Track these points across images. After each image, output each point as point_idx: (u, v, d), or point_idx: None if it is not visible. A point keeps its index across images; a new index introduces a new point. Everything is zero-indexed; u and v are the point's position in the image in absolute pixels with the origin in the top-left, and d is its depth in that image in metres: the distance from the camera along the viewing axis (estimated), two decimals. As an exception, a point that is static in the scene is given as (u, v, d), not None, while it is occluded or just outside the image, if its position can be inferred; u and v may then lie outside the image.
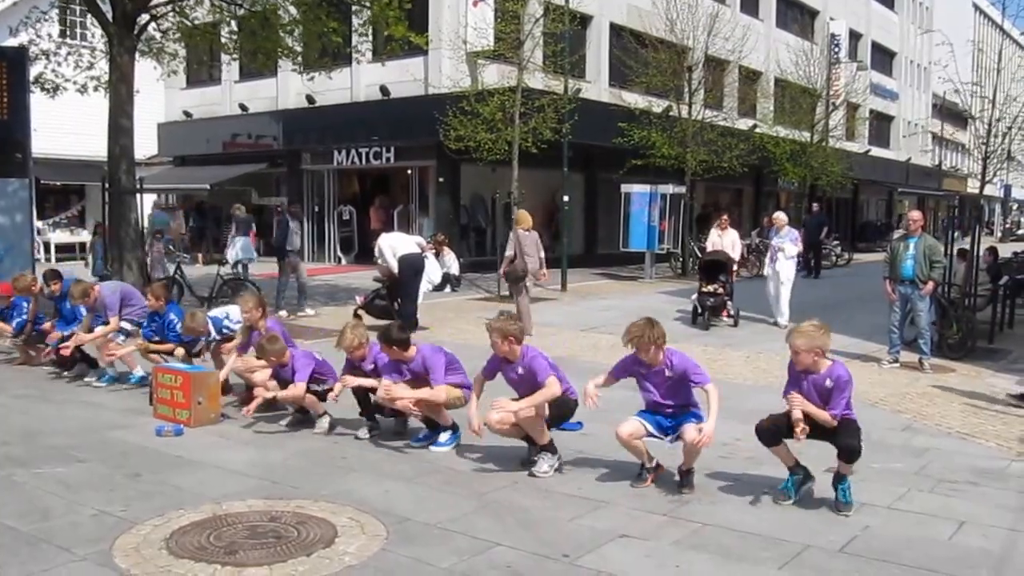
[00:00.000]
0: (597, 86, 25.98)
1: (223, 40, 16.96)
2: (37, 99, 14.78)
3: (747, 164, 24.67)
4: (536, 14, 19.04)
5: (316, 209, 26.62)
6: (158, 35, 16.33)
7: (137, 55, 14.54)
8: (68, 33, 22.53)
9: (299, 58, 16.16)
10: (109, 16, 13.96)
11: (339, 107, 24.04)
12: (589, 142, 22.21)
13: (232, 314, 8.58)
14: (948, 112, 45.58)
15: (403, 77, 22.22)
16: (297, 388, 7.11)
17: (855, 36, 39.95)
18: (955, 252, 12.92)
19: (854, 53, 38.50)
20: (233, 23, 16.50)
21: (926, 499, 5.69)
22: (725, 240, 14.85)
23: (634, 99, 24.26)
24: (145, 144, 25.75)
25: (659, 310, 15.68)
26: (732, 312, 13.73)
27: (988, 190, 22.91)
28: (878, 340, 11.45)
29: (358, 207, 25.92)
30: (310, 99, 24.11)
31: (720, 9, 26.36)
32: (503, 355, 6.11)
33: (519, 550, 4.75)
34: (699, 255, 19.99)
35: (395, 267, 12.52)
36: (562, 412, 6.23)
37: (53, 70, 15.81)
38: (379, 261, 12.96)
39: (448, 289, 17.58)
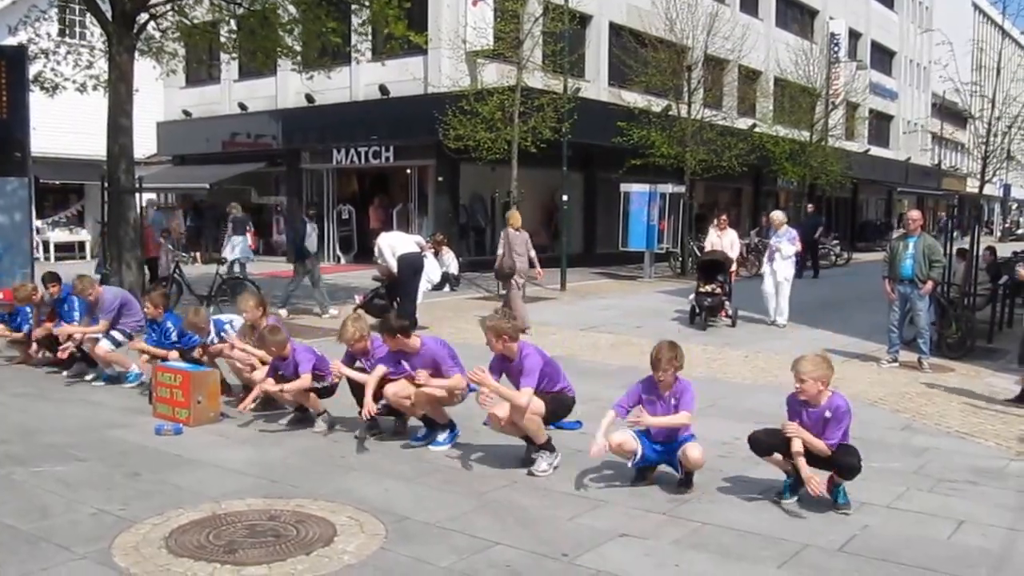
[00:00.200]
0: (596, 85, 25.98)
1: (222, 39, 16.94)
2: (36, 98, 14.76)
3: (746, 163, 24.66)
4: (535, 13, 19.05)
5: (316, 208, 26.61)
6: (157, 34, 16.30)
7: (136, 54, 14.51)
8: (67, 32, 22.50)
9: (298, 57, 16.14)
10: (108, 15, 13.93)
11: (338, 106, 24.03)
12: (588, 141, 22.20)
13: (236, 323, 8.57)
14: (947, 111, 45.58)
15: (402, 76, 22.22)
16: (303, 379, 7.11)
17: (855, 35, 39.96)
18: (954, 252, 12.91)
19: (854, 52, 38.49)
20: (232, 22, 16.47)
21: (925, 498, 5.69)
22: (724, 240, 14.81)
23: (633, 98, 24.26)
24: (144, 143, 25.73)
25: (658, 309, 15.72)
26: (730, 312, 13.72)
27: (988, 189, 22.90)
28: (877, 339, 11.45)
29: (357, 206, 25.93)
30: (309, 98, 24.10)
31: (719, 8, 26.36)
32: (500, 352, 6.11)
33: (518, 549, 4.75)
34: (698, 254, 20.01)
35: (394, 266, 12.52)
36: (559, 409, 6.24)
37: (52, 69, 15.78)
38: (378, 260, 12.96)
39: (447, 288, 17.56)
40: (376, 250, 12.98)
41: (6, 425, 7.32)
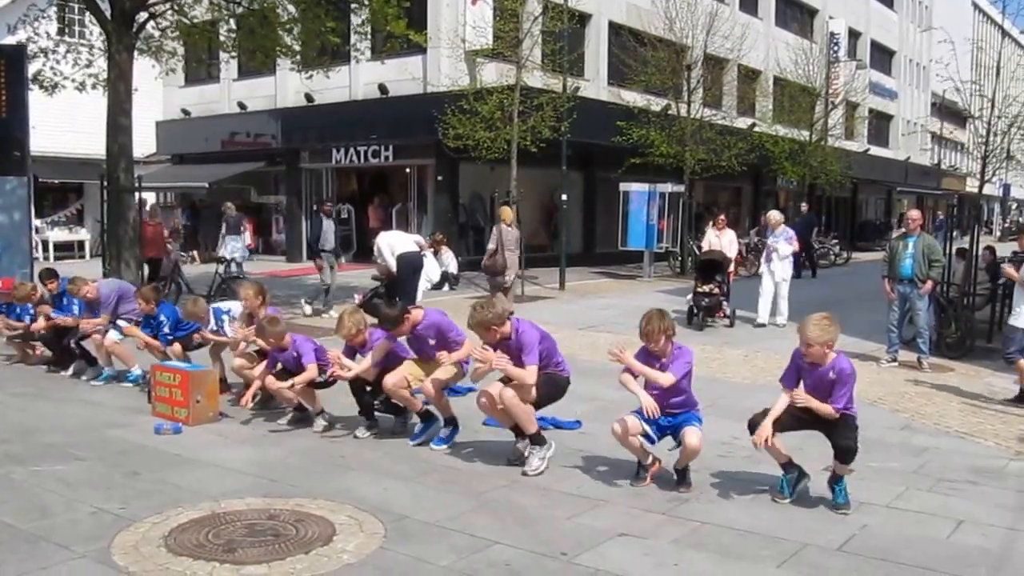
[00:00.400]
0: (596, 85, 25.97)
1: (222, 38, 16.94)
2: (35, 97, 14.76)
3: (746, 163, 24.64)
4: (535, 12, 19.02)
5: (315, 208, 26.59)
6: (156, 33, 16.31)
7: (135, 53, 14.51)
8: (66, 31, 22.47)
9: (297, 56, 16.13)
10: (108, 14, 13.94)
11: (338, 105, 24.01)
12: (588, 141, 22.18)
13: (235, 309, 8.59)
14: (947, 111, 45.61)
15: (402, 76, 22.20)
16: (310, 370, 7.09)
17: (854, 35, 39.96)
18: (954, 251, 12.91)
19: (853, 52, 38.48)
20: (232, 21, 16.46)
21: (924, 498, 5.70)
22: (723, 240, 14.77)
23: (633, 98, 24.24)
24: (144, 142, 25.74)
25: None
26: (728, 313, 13.69)
27: (987, 189, 22.90)
28: (877, 339, 11.45)
29: (357, 206, 25.91)
30: (309, 97, 24.09)
31: (719, 8, 26.34)
32: (494, 341, 6.07)
33: (517, 548, 4.75)
34: (697, 254, 19.98)
35: (393, 266, 12.53)
36: (553, 390, 6.19)
37: (52, 68, 15.78)
38: (378, 260, 12.97)
39: (446, 288, 17.60)
40: (375, 249, 13.00)
41: (5, 424, 7.31)
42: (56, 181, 26.83)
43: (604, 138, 22.90)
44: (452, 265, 18.93)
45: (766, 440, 5.37)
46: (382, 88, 23.10)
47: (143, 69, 16.71)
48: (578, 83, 22.28)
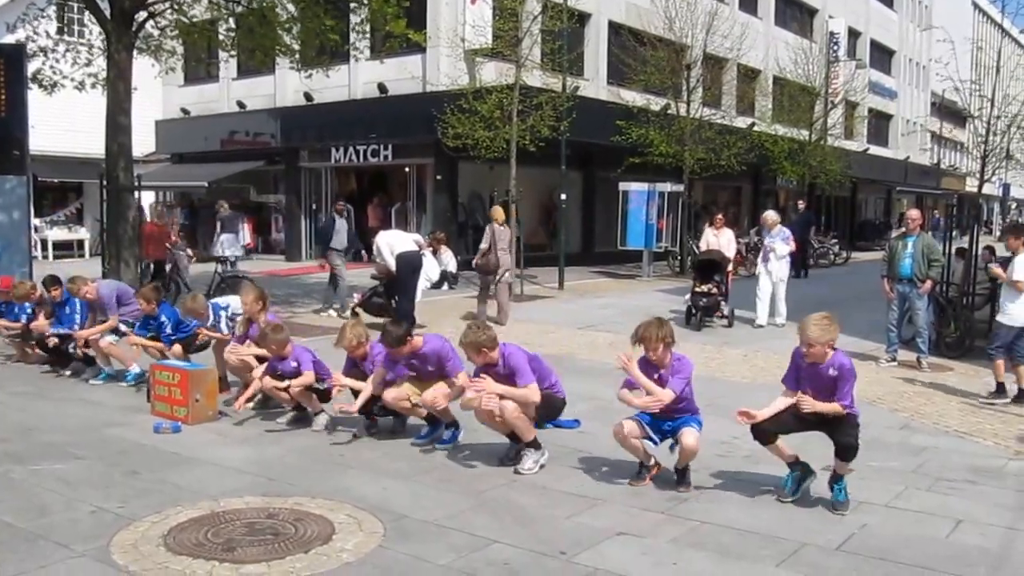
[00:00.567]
0: (595, 84, 25.97)
1: (221, 37, 16.92)
2: (35, 96, 14.75)
3: (745, 162, 24.63)
4: (534, 11, 19.01)
5: (314, 207, 26.62)
6: (156, 32, 16.29)
7: (135, 52, 14.50)
8: (66, 30, 22.43)
9: (297, 56, 16.13)
10: (107, 13, 13.93)
11: (337, 105, 24.01)
12: (587, 140, 22.18)
13: (233, 304, 8.59)
14: (947, 110, 45.61)
15: (401, 75, 22.20)
16: (307, 376, 7.11)
17: (854, 34, 39.96)
18: (953, 251, 12.92)
19: (853, 51, 38.50)
20: (231, 20, 16.45)
21: (924, 497, 5.70)
22: (721, 239, 14.73)
23: (632, 97, 24.24)
24: (143, 141, 25.73)
25: (656, 308, 15.65)
26: (726, 313, 13.67)
27: (987, 189, 22.89)
28: (876, 339, 11.45)
29: (356, 205, 25.87)
30: (308, 97, 24.08)
31: (719, 7, 26.33)
32: (482, 364, 6.10)
33: (516, 547, 4.75)
34: (696, 253, 19.97)
35: (393, 265, 12.51)
36: (549, 411, 6.24)
37: (51, 67, 15.77)
38: (377, 259, 12.95)
39: (445, 287, 17.55)
40: (374, 249, 12.98)
41: (5, 423, 7.31)
42: (55, 180, 26.82)
43: (603, 137, 22.90)
44: (451, 264, 18.85)
45: (757, 427, 5.42)
46: (381, 87, 23.11)
47: (142, 68, 16.70)
48: (577, 82, 22.27)
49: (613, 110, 23.47)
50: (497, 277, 13.55)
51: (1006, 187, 53.62)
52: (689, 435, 5.57)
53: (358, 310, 13.27)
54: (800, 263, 22.85)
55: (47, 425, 7.28)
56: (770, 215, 14.32)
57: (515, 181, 18.25)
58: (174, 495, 5.52)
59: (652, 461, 5.85)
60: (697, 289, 13.61)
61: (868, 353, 11.02)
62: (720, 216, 15.54)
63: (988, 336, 12.04)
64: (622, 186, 22.96)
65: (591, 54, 26.23)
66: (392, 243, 12.73)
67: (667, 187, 22.70)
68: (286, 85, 25.28)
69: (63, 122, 23.29)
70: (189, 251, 16.30)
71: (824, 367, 5.39)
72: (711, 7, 25.10)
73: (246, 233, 27.36)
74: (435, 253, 15.61)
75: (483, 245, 13.65)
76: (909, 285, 10.26)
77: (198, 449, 6.62)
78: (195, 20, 16.01)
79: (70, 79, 16.07)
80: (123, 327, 9.07)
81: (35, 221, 22.44)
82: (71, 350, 9.19)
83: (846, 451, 5.34)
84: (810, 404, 5.32)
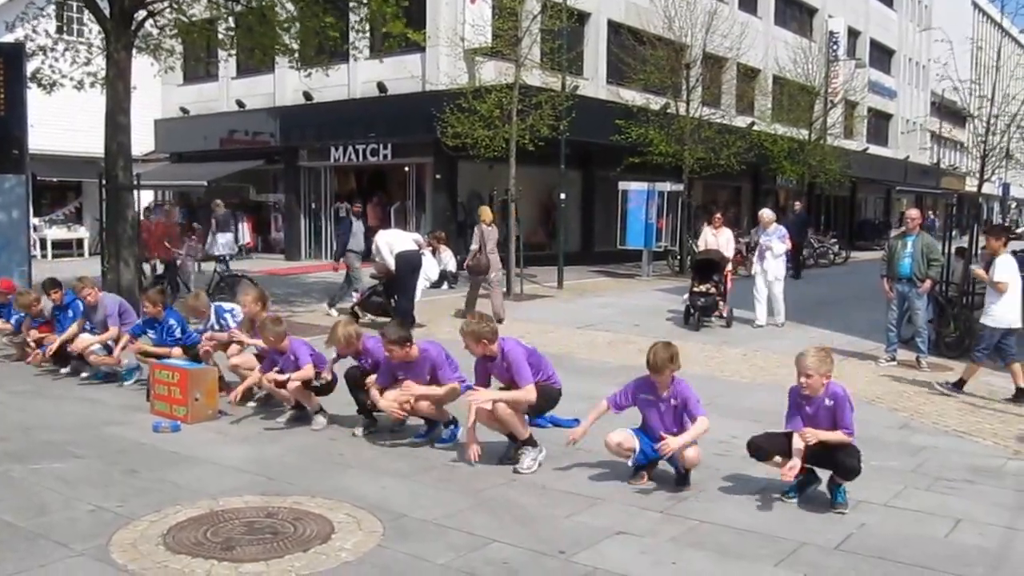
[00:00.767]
0: (595, 83, 25.96)
1: (220, 37, 16.89)
2: (34, 95, 14.73)
3: (745, 162, 24.62)
4: (534, 11, 19.00)
5: (313, 206, 26.62)
6: (155, 31, 16.27)
7: (134, 51, 14.48)
8: (65, 29, 22.42)
9: (296, 55, 16.12)
10: (106, 12, 13.91)
11: (336, 104, 24.01)
12: (586, 139, 22.18)
13: (236, 310, 8.59)
14: (946, 110, 45.57)
15: (400, 74, 22.19)
16: (306, 369, 7.12)
17: (854, 34, 39.97)
18: (953, 251, 12.92)
19: (852, 51, 38.50)
20: (230, 19, 16.44)
21: (923, 497, 5.70)
22: (720, 239, 14.71)
23: (632, 96, 24.24)
24: (142, 140, 25.72)
25: (655, 308, 15.71)
26: (724, 313, 13.65)
27: (986, 188, 22.88)
28: (875, 338, 11.45)
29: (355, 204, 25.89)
30: (307, 96, 24.07)
31: (718, 6, 26.32)
32: (481, 355, 6.12)
33: (515, 546, 4.75)
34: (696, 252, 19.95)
35: (392, 264, 12.52)
36: (544, 402, 6.24)
37: (50, 66, 15.74)
38: (376, 258, 12.96)
39: (445, 286, 17.59)
40: (374, 248, 12.98)
41: (5, 422, 7.31)
42: (54, 179, 26.78)
43: (603, 137, 22.90)
44: (451, 264, 18.91)
45: (753, 443, 5.44)
46: (381, 86, 23.10)
47: (142, 67, 16.66)
48: (577, 82, 22.26)
49: (612, 109, 23.48)
50: (489, 276, 13.62)
51: (1006, 187, 53.61)
52: (691, 448, 5.61)
53: (357, 309, 13.27)
54: (794, 264, 22.87)
55: (46, 424, 7.28)
56: (766, 213, 14.31)
57: (514, 180, 18.24)
58: (173, 494, 5.52)
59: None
60: (695, 289, 13.59)
61: (868, 353, 11.02)
62: (719, 216, 15.51)
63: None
64: (621, 185, 22.96)
65: (590, 53, 26.23)
66: (391, 242, 12.74)
67: (666, 186, 22.71)
68: (285, 84, 25.28)
69: (62, 121, 23.27)
70: (180, 252, 16.19)
71: (820, 399, 5.41)
72: (710, 6, 25.09)
73: (246, 232, 27.46)
74: (434, 252, 15.65)
75: (473, 246, 13.77)
76: (908, 285, 10.26)
77: (197, 448, 6.62)
78: (194, 19, 15.99)
79: (69, 78, 16.05)
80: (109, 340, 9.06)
81: (34, 220, 22.41)
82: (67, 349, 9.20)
83: (848, 472, 5.37)
84: (813, 435, 5.32)
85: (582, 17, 24.90)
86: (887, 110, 45.08)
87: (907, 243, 10.35)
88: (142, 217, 16.62)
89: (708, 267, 13.84)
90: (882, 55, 44.17)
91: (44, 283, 9.89)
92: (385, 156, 23.99)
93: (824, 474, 5.54)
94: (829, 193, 35.83)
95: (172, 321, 8.66)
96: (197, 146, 28.07)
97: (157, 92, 27.32)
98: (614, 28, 26.64)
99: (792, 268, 22.97)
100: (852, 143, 36.55)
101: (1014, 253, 10.84)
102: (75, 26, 23.40)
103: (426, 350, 6.64)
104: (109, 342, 9.01)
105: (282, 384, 7.17)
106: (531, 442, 6.15)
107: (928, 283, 10.22)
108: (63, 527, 4.96)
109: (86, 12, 15.67)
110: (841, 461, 5.36)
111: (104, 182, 14.06)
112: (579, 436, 5.93)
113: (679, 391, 5.70)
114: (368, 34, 16.46)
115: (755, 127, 28.62)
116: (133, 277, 13.40)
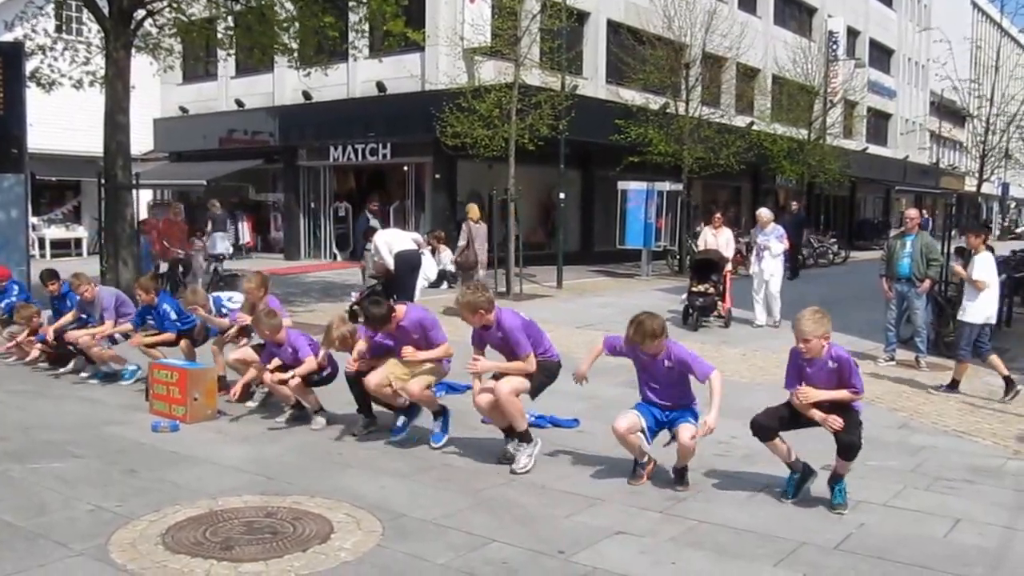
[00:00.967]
0: (594, 83, 25.96)
1: (219, 36, 16.91)
2: (33, 94, 14.75)
3: (744, 161, 24.62)
4: (533, 10, 19.00)
5: (312, 205, 26.61)
6: (154, 31, 16.28)
7: (133, 51, 14.50)
8: (64, 28, 22.41)
9: (295, 54, 16.13)
10: (105, 11, 13.92)
11: (335, 103, 24.00)
12: (586, 139, 22.20)
13: (235, 298, 8.60)
14: (946, 110, 45.62)
15: (400, 73, 22.19)
16: (308, 362, 7.10)
17: (853, 33, 39.97)
18: (952, 250, 12.92)
19: (852, 50, 38.50)
20: (229, 19, 16.45)
21: (922, 497, 5.70)
22: (719, 239, 14.70)
23: (631, 96, 24.25)
24: (141, 140, 25.72)
25: (655, 307, 15.55)
26: (724, 313, 13.64)
27: (986, 188, 22.93)
28: (874, 338, 11.45)
29: (354, 203, 25.90)
30: (306, 95, 24.06)
31: (718, 6, 26.33)
32: (478, 326, 6.12)
33: (515, 546, 4.75)
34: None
35: (391, 264, 12.51)
36: (545, 377, 6.22)
37: (49, 65, 15.76)
38: (375, 258, 12.95)
39: (444, 286, 17.58)
40: (373, 247, 12.98)
41: (4, 422, 7.31)
42: (53, 178, 26.76)
43: (602, 136, 22.90)
44: (450, 263, 18.91)
45: (756, 422, 5.49)
46: (380, 86, 23.10)
47: (141, 66, 16.68)
48: (576, 81, 22.26)
49: (612, 109, 23.48)
50: (477, 272, 13.88)
51: (1005, 186, 53.67)
52: (685, 431, 5.57)
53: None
54: (791, 264, 22.85)
55: (46, 423, 7.27)
56: (764, 212, 14.31)
57: (514, 180, 18.24)
58: (172, 494, 5.51)
59: (646, 458, 5.84)
60: (694, 289, 13.57)
61: (866, 352, 11.01)
62: (719, 215, 15.52)
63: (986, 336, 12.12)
64: (621, 185, 22.96)
65: (590, 53, 26.23)
66: (391, 242, 12.73)
67: (666, 186, 22.71)
68: (285, 83, 25.28)
69: (61, 120, 23.28)
70: (180, 252, 16.17)
71: (822, 361, 5.37)
72: (710, 6, 25.10)
73: (246, 231, 27.45)
74: (434, 252, 15.65)
75: (461, 242, 14.09)
76: (908, 284, 10.27)
77: (196, 448, 6.61)
78: (193, 18, 16.00)
79: (68, 77, 16.06)
80: (117, 335, 9.06)
81: (33, 219, 22.41)
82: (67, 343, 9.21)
83: (848, 450, 5.32)
84: (815, 394, 5.30)
85: (581, 16, 24.89)
86: (886, 110, 45.09)
87: (906, 243, 10.35)
88: (147, 215, 16.65)
89: (707, 267, 13.83)
90: (881, 55, 44.18)
91: (42, 274, 9.92)
92: (384, 156, 23.99)
93: (823, 473, 5.54)
94: (828, 193, 35.84)
95: (166, 305, 8.67)
96: (196, 145, 28.06)
97: (156, 91, 27.31)
98: (613, 27, 26.64)
99: (789, 268, 23.03)
100: (851, 143, 36.57)
101: (1014, 252, 10.86)
102: (74, 25, 23.39)
103: (411, 311, 6.62)
104: (117, 335, 9.02)
105: (284, 381, 7.15)
106: (527, 437, 6.10)
107: (927, 283, 10.23)
108: (62, 527, 4.95)
109: (85, 11, 15.69)
110: (840, 436, 5.29)
111: (103, 181, 14.08)
112: (583, 373, 6.06)
113: (675, 354, 5.68)
114: (367, 33, 16.47)
115: (754, 127, 28.63)
116: (132, 277, 13.40)
